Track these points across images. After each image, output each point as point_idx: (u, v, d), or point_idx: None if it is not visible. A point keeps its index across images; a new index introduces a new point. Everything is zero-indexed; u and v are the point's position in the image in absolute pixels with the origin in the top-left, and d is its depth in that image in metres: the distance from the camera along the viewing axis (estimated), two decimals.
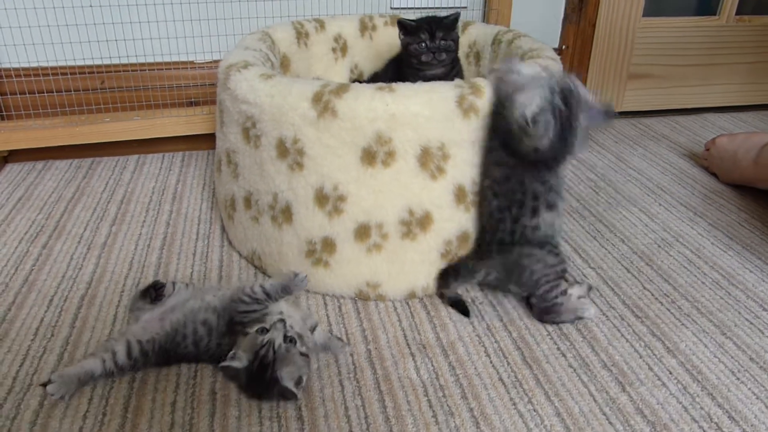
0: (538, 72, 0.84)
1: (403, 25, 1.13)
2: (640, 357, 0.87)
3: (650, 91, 1.81)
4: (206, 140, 1.47)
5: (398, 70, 1.21)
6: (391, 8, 1.53)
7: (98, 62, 1.39)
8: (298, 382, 0.74)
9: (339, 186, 0.88)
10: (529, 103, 0.80)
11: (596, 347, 0.88)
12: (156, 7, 1.37)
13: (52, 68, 1.36)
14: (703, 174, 1.45)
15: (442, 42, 1.10)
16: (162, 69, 1.43)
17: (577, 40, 1.68)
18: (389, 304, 0.96)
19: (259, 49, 1.07)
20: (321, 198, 0.89)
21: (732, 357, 0.87)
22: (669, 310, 0.97)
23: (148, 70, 1.42)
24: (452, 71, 1.15)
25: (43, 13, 1.33)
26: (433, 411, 0.76)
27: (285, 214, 0.93)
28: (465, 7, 1.56)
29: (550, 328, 0.92)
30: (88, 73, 1.39)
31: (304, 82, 0.88)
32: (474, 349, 0.87)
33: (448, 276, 0.93)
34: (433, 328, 0.91)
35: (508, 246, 0.88)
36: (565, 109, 0.81)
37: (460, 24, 1.18)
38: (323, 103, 0.85)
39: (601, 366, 0.85)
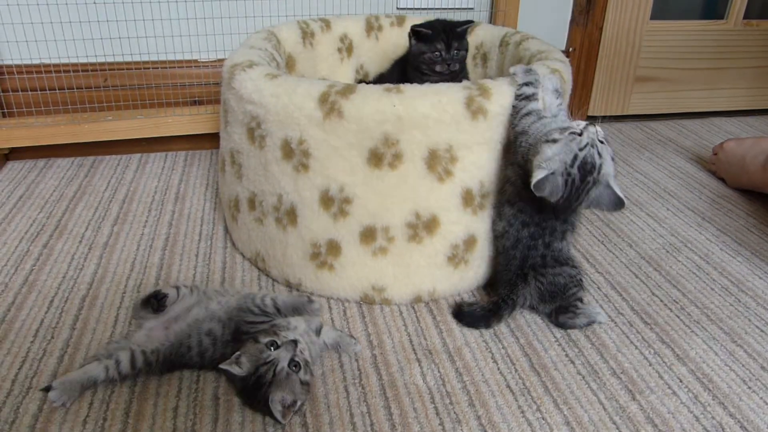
0: (578, 126, 0.79)
1: (418, 34, 1.11)
2: (650, 364, 0.85)
3: (657, 95, 1.79)
4: (210, 139, 1.45)
5: (404, 71, 1.20)
6: (398, 8, 1.52)
7: (101, 60, 1.37)
8: (290, 405, 0.72)
9: (345, 188, 0.87)
10: (545, 163, 0.76)
11: (605, 354, 0.87)
12: (160, 4, 1.36)
13: (55, 65, 1.35)
14: (711, 178, 1.44)
15: (456, 52, 1.09)
16: (166, 67, 1.42)
17: (584, 43, 1.67)
18: (395, 309, 0.94)
19: (264, 49, 1.06)
20: (326, 200, 0.88)
21: (743, 365, 0.86)
22: (678, 316, 0.96)
23: (152, 68, 1.41)
24: (460, 73, 1.14)
25: (46, 9, 1.31)
26: (440, 419, 0.75)
27: (290, 215, 0.92)
28: (471, 8, 1.55)
29: (558, 334, 0.90)
30: (91, 70, 1.37)
31: (310, 82, 0.87)
32: (481, 355, 0.86)
33: (489, 318, 0.90)
34: (440, 333, 0.90)
35: (540, 269, 0.88)
36: (579, 183, 0.78)
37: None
38: (330, 103, 0.83)
39: (611, 373, 0.83)
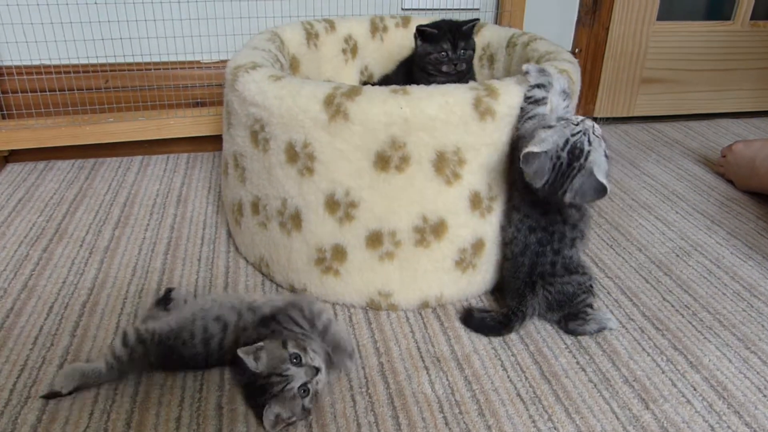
0: (576, 119, 0.79)
1: (424, 33, 1.09)
2: (663, 372, 0.83)
3: (663, 96, 1.78)
4: (212, 142, 1.44)
5: (409, 72, 1.18)
6: (402, 9, 1.50)
7: (102, 61, 1.36)
8: (284, 419, 0.70)
9: (351, 192, 0.85)
10: (538, 142, 0.76)
11: (617, 361, 0.85)
12: (162, 5, 1.34)
13: (55, 67, 1.33)
14: (719, 181, 1.42)
15: (463, 52, 1.08)
16: (168, 69, 1.40)
17: (590, 44, 1.65)
18: (401, 314, 0.93)
19: (268, 50, 1.04)
20: (332, 204, 0.86)
21: (758, 373, 0.84)
22: (690, 322, 0.94)
23: (154, 69, 1.39)
24: (467, 74, 1.12)
25: (46, 9, 1.30)
26: (449, 429, 0.73)
27: (294, 220, 0.90)
28: (477, 9, 1.53)
29: (568, 341, 0.89)
30: (92, 72, 1.36)
31: (315, 84, 0.85)
32: (490, 363, 0.84)
33: (500, 330, 0.88)
34: (447, 340, 0.88)
35: (549, 278, 0.86)
36: (566, 167, 0.77)
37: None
38: (335, 106, 0.81)
39: (623, 381, 0.81)
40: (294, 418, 0.71)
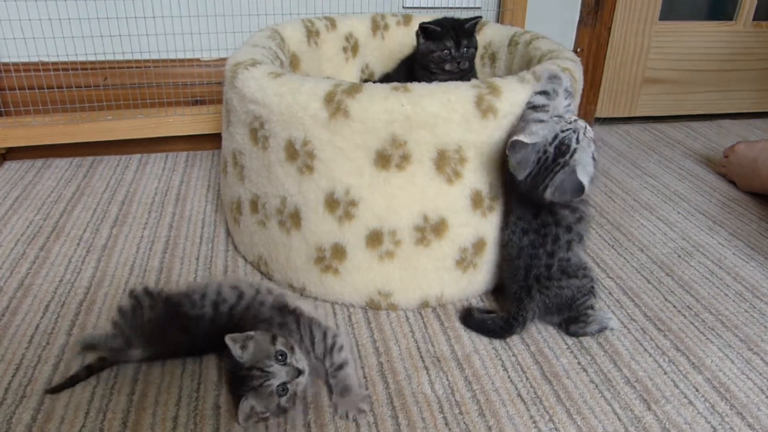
0: (569, 118, 0.79)
1: (427, 31, 1.08)
2: (665, 373, 0.83)
3: (665, 96, 1.77)
4: (211, 140, 1.43)
5: (411, 70, 1.18)
6: (404, 7, 1.49)
7: (101, 58, 1.35)
8: (257, 413, 0.69)
9: (351, 190, 0.84)
10: (528, 134, 0.76)
11: (618, 362, 0.84)
12: (162, 1, 1.33)
13: (53, 64, 1.32)
14: (721, 181, 1.42)
15: (466, 50, 1.07)
16: (167, 66, 1.40)
17: (592, 44, 1.64)
18: (401, 314, 0.92)
19: (268, 47, 1.03)
20: (331, 203, 0.85)
21: (760, 374, 0.83)
22: (692, 323, 0.93)
23: (153, 67, 1.38)
24: (469, 73, 1.11)
25: (44, 6, 1.29)
26: (450, 429, 0.72)
27: (293, 219, 0.89)
28: (479, 8, 1.52)
29: (569, 341, 0.88)
30: (91, 69, 1.35)
31: (315, 81, 0.84)
32: (491, 363, 0.83)
33: (501, 333, 0.87)
34: (448, 340, 0.87)
35: (545, 282, 0.84)
36: (551, 162, 0.76)
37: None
38: (335, 103, 0.81)
39: (624, 382, 0.81)
40: (267, 414, 0.70)
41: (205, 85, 1.43)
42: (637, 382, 0.81)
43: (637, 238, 1.16)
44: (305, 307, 0.82)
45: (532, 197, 0.81)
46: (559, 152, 0.76)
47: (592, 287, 0.86)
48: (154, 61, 1.38)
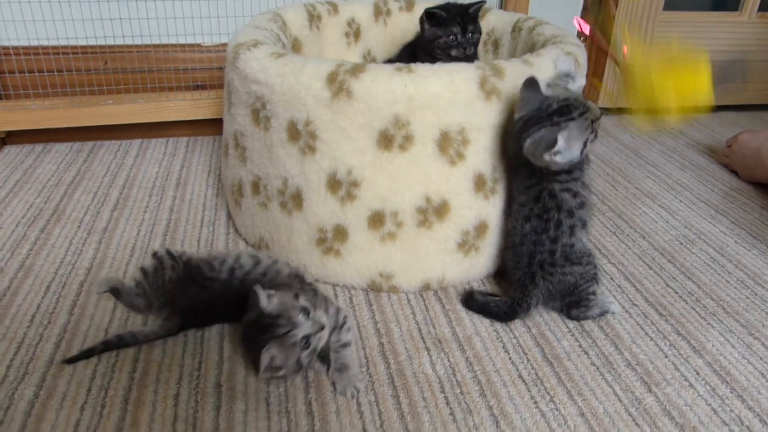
0: (588, 103, 0.80)
1: (433, 17, 1.07)
2: (666, 356, 0.83)
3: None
4: (212, 126, 1.42)
5: (413, 56, 1.17)
6: None
7: (101, 42, 1.34)
8: (275, 367, 0.70)
9: (353, 171, 0.84)
10: (548, 85, 0.78)
11: (619, 345, 0.84)
12: None
13: (54, 47, 1.31)
14: (723, 171, 1.41)
15: (471, 35, 1.06)
16: (168, 51, 1.39)
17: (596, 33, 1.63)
18: (402, 297, 0.92)
19: (270, 29, 1.03)
20: (334, 183, 0.85)
21: (761, 358, 0.83)
22: (694, 308, 0.93)
23: (153, 51, 1.38)
24: (473, 58, 1.11)
25: None
26: (451, 408, 0.72)
27: (295, 200, 0.89)
28: None
29: (570, 324, 0.88)
30: (91, 53, 1.34)
31: (318, 61, 0.84)
32: (492, 345, 0.83)
33: (503, 317, 0.87)
34: (449, 322, 0.87)
35: (549, 268, 0.84)
36: (546, 116, 0.78)
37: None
38: (338, 83, 0.80)
39: (625, 365, 0.81)
40: (284, 371, 0.70)
41: (206, 71, 1.42)
42: (638, 365, 0.81)
43: (639, 226, 1.16)
44: (322, 289, 0.85)
45: (516, 148, 0.81)
46: (558, 112, 0.77)
47: (595, 273, 0.86)
48: (155, 45, 1.37)
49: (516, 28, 1.18)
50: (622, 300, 0.94)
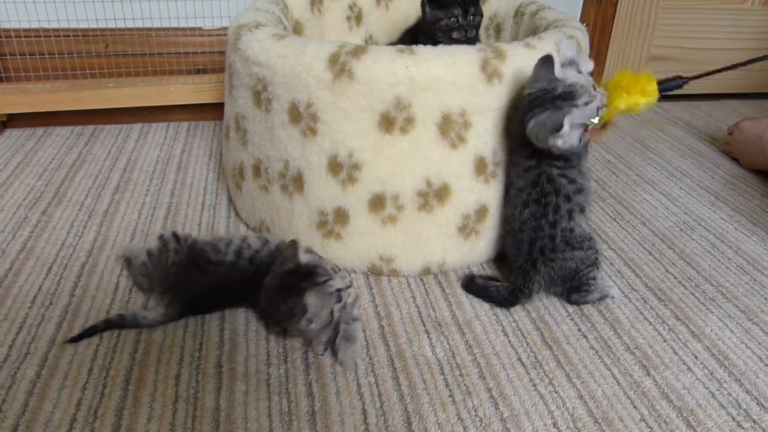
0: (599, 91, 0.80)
1: (434, 0, 1.07)
2: (664, 340, 0.83)
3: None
4: (213, 110, 1.42)
5: (414, 40, 1.16)
6: None
7: (102, 25, 1.33)
8: (311, 315, 0.72)
9: (354, 153, 0.84)
10: (562, 67, 0.78)
11: (619, 329, 0.85)
12: None
13: (54, 30, 1.31)
14: (724, 159, 1.41)
15: (473, 18, 1.06)
16: (169, 35, 1.38)
17: (598, 19, 1.63)
18: (402, 280, 0.92)
19: (272, 12, 1.02)
20: (335, 166, 0.85)
21: (759, 343, 0.84)
22: (693, 294, 0.93)
23: (155, 34, 1.37)
24: (475, 41, 1.10)
25: None
26: (450, 390, 0.73)
27: (296, 182, 0.89)
28: None
29: (570, 309, 0.88)
30: (92, 36, 1.34)
31: (320, 42, 0.83)
32: (491, 328, 0.83)
33: (504, 303, 0.87)
34: (449, 305, 0.87)
35: (549, 254, 0.84)
36: (551, 98, 0.78)
37: None
38: (340, 64, 0.80)
39: (624, 349, 0.81)
40: (316, 324, 0.72)
41: (207, 55, 1.42)
42: (637, 348, 0.81)
43: (639, 212, 1.16)
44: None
45: (519, 127, 0.81)
46: (562, 96, 0.77)
47: (596, 259, 0.86)
48: (156, 29, 1.37)
49: (518, 13, 1.17)
50: (621, 285, 0.94)
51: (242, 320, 0.82)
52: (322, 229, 0.90)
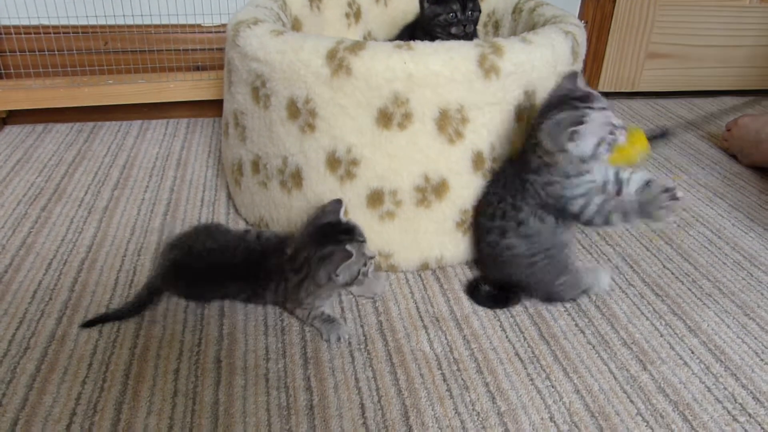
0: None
1: None
2: (661, 335, 0.83)
3: (668, 72, 1.75)
4: (212, 107, 1.42)
5: (413, 37, 1.16)
6: None
7: (102, 22, 1.34)
8: (347, 268, 0.75)
9: (352, 149, 0.84)
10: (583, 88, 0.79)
11: (615, 324, 0.85)
12: None
13: (54, 27, 1.31)
14: (722, 155, 1.41)
15: (471, 13, 1.06)
16: (168, 32, 1.38)
17: (596, 16, 1.63)
18: (401, 276, 0.92)
19: (270, 8, 1.02)
20: (333, 162, 0.85)
21: (755, 338, 0.84)
22: (690, 289, 0.93)
23: (154, 32, 1.37)
24: (473, 37, 1.10)
25: None
26: (448, 385, 0.73)
27: (295, 178, 0.89)
28: None
29: (567, 304, 0.88)
30: (91, 33, 1.34)
31: (318, 38, 0.84)
32: (489, 324, 0.84)
33: (506, 304, 0.88)
34: (447, 301, 0.88)
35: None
36: (570, 98, 0.77)
37: None
38: (338, 60, 0.80)
39: (621, 343, 0.81)
40: (343, 278, 0.75)
41: (206, 52, 1.42)
42: (634, 343, 0.82)
43: None
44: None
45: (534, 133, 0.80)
46: (581, 98, 0.76)
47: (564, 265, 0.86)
48: (155, 26, 1.37)
49: (517, 10, 1.17)
50: (619, 280, 0.94)
51: (241, 315, 0.82)
52: None
